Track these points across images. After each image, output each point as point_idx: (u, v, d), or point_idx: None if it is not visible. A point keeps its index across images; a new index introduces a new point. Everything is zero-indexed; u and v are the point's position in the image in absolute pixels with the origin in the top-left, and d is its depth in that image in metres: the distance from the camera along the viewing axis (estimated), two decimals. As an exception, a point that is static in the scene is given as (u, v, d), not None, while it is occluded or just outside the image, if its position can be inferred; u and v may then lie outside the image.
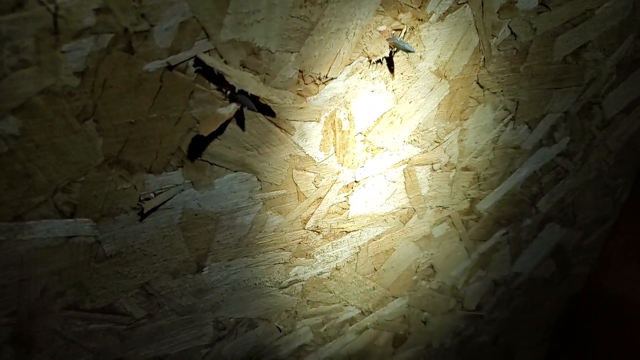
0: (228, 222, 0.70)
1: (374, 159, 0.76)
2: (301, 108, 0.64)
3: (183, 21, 0.51)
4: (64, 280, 0.64)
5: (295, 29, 0.57)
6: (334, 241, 0.83)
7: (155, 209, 0.63)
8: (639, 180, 1.21)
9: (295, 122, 0.65)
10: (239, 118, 0.61)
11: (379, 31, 0.62)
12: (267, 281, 0.81)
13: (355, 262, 0.88)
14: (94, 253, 0.63)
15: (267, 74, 0.59)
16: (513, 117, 0.85)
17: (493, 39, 0.72)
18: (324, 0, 0.57)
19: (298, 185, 0.72)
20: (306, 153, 0.69)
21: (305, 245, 0.80)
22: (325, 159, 0.71)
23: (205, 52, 0.54)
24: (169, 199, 0.63)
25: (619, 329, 1.35)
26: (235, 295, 0.79)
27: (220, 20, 0.52)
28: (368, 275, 0.92)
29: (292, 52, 0.59)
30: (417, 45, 0.66)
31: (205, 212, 0.67)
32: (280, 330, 0.90)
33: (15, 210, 0.55)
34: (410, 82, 0.70)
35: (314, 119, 0.66)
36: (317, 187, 0.74)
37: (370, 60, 0.64)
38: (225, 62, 0.55)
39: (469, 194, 0.92)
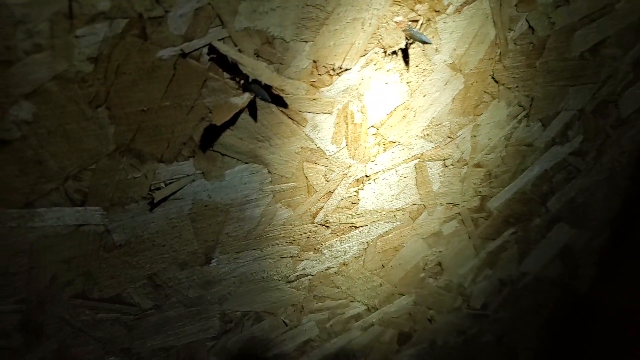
0: (237, 214, 0.69)
1: (385, 154, 0.75)
2: (314, 99, 0.63)
3: (198, 7, 0.50)
4: (73, 269, 0.63)
5: (310, 17, 0.56)
6: (343, 236, 0.82)
7: (165, 199, 0.62)
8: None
9: (308, 113, 0.65)
10: (252, 108, 0.60)
11: (395, 22, 0.61)
12: (274, 275, 0.80)
13: (363, 257, 0.88)
14: (103, 242, 0.63)
15: (280, 63, 0.58)
16: (527, 113, 0.84)
17: (510, 32, 0.71)
18: (341, -10, 0.56)
19: (308, 178, 0.71)
20: (317, 146, 0.69)
21: (314, 239, 0.80)
22: (337, 152, 0.71)
23: (219, 40, 0.53)
24: (180, 189, 0.63)
25: (625, 331, 1.34)
26: (242, 288, 0.79)
27: (235, 8, 0.52)
28: (375, 272, 0.92)
29: (306, 42, 0.58)
30: (433, 37, 0.65)
31: (215, 204, 0.66)
32: (286, 325, 0.89)
33: (27, 197, 0.55)
34: (425, 75, 0.69)
35: (327, 111, 0.65)
36: (328, 181, 0.73)
37: (385, 52, 0.63)
38: (240, 51, 0.55)
39: (480, 192, 0.91)
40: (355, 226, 0.82)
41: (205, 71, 0.55)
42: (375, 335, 1.04)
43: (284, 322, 0.88)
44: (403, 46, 0.63)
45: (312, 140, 0.67)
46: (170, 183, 0.61)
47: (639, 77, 0.92)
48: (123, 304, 0.70)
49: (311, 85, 0.62)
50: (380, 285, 0.94)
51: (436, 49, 0.67)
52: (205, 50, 0.53)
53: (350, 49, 0.61)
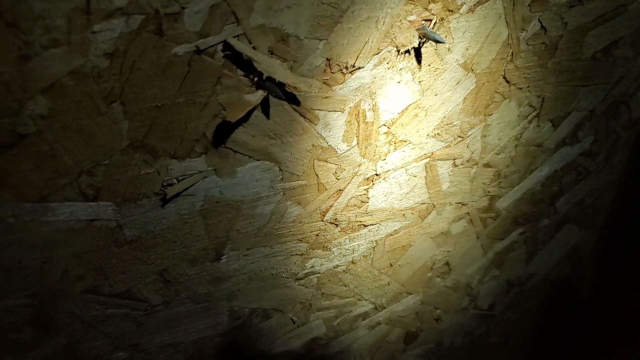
0: (248, 211, 0.70)
1: (396, 152, 0.75)
2: (326, 97, 0.63)
3: (214, 4, 0.50)
4: (84, 263, 0.64)
5: (325, 15, 0.56)
6: (352, 234, 0.82)
7: (177, 195, 0.63)
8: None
9: (320, 111, 0.65)
10: (265, 106, 0.60)
11: (409, 21, 0.61)
12: (283, 272, 0.81)
13: (372, 256, 0.88)
14: (114, 237, 0.63)
15: (294, 61, 0.58)
16: (538, 114, 0.84)
17: (522, 32, 0.71)
18: (355, -12, 0.56)
19: (319, 176, 0.71)
20: (329, 144, 0.69)
21: (323, 237, 0.80)
22: (348, 150, 0.71)
23: (234, 37, 0.53)
24: (192, 186, 0.63)
25: (632, 334, 1.33)
26: (251, 285, 0.79)
27: (251, 5, 0.52)
28: (383, 270, 0.92)
29: (320, 40, 0.58)
30: (446, 36, 0.65)
31: (226, 200, 0.67)
32: (294, 322, 0.90)
33: (41, 191, 0.55)
34: (437, 74, 0.69)
35: (339, 109, 0.65)
36: (338, 179, 0.73)
37: (398, 50, 0.63)
38: (254, 48, 0.55)
39: (489, 192, 0.91)
40: (364, 225, 0.82)
41: (220, 68, 0.55)
42: (382, 334, 1.04)
43: (291, 319, 0.89)
44: (416, 45, 0.63)
45: (324, 138, 0.67)
46: (182, 179, 0.62)
47: (651, 78, 0.91)
48: (133, 299, 0.70)
49: (324, 83, 0.62)
50: (388, 284, 0.94)
51: (449, 49, 0.67)
52: (220, 47, 0.53)
53: (363, 47, 0.61)
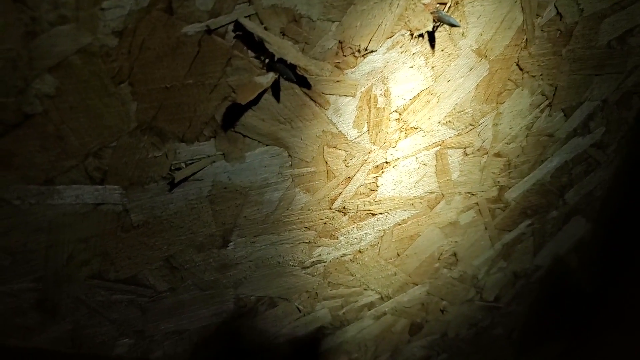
0: (256, 197, 0.69)
1: (406, 140, 0.74)
2: (338, 81, 0.62)
3: (226, -17, 0.49)
4: (90, 248, 0.63)
5: (338, -4, 0.55)
6: (360, 223, 0.81)
7: (185, 179, 0.62)
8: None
9: (331, 96, 0.63)
10: (275, 89, 0.59)
11: (424, 4, 0.60)
12: (290, 260, 0.80)
13: (379, 245, 0.87)
14: (121, 222, 0.62)
15: (306, 43, 0.57)
16: (550, 103, 0.82)
17: (538, 18, 0.70)
18: (369, -31, 0.55)
19: (328, 163, 0.70)
20: (339, 129, 0.68)
21: (331, 225, 0.79)
22: (358, 137, 0.70)
23: (246, 17, 0.52)
24: (200, 170, 0.62)
25: (637, 327, 1.33)
26: (258, 272, 0.78)
27: (264, -16, 0.51)
28: (390, 260, 0.91)
29: (333, 22, 0.57)
30: (460, 20, 0.64)
31: (234, 186, 0.66)
32: (300, 311, 0.89)
33: (47, 173, 0.54)
34: (450, 60, 0.68)
35: (350, 94, 0.64)
36: (347, 166, 0.72)
37: (412, 34, 0.62)
38: (266, 29, 0.54)
39: (499, 182, 0.90)
40: (372, 213, 0.81)
41: (230, 49, 0.54)
42: (387, 325, 1.03)
43: (297, 308, 0.88)
44: (430, 29, 0.62)
45: (334, 124, 0.66)
46: (190, 163, 0.61)
47: (666, 67, 0.90)
48: (139, 285, 0.70)
49: (336, 66, 0.61)
50: (395, 274, 0.93)
51: (462, 34, 0.66)
52: (231, 27, 0.52)
53: (376, 30, 0.60)
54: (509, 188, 0.92)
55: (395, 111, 0.69)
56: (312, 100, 0.63)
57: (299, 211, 0.74)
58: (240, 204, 0.68)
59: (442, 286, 1.03)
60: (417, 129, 0.73)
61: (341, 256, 0.84)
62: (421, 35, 0.63)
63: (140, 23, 0.49)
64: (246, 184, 0.66)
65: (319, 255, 0.82)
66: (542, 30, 0.72)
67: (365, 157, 0.73)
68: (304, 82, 0.60)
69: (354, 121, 0.68)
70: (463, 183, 0.85)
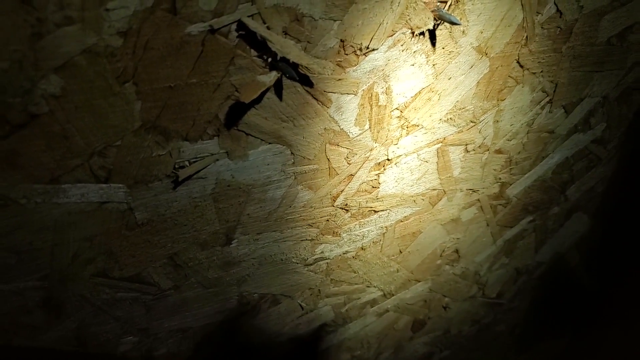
0: (259, 195, 0.69)
1: (408, 137, 0.74)
2: (339, 79, 0.63)
3: (228, -17, 0.50)
4: (95, 246, 0.63)
5: (340, -5, 0.56)
6: (362, 220, 0.82)
7: (189, 177, 0.62)
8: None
9: (333, 94, 0.64)
10: (278, 87, 0.60)
11: (424, 2, 0.60)
12: (293, 257, 0.80)
13: (381, 242, 0.87)
14: (125, 220, 0.63)
15: (308, 42, 0.58)
16: (550, 99, 0.83)
17: (538, 16, 0.70)
18: (370, -32, 0.55)
19: (330, 160, 0.71)
20: (341, 127, 0.68)
21: (333, 222, 0.79)
22: (360, 134, 0.70)
23: (248, 16, 0.52)
24: (204, 168, 0.62)
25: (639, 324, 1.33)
26: (261, 270, 0.79)
27: (266, -16, 0.51)
28: (393, 257, 0.91)
29: (335, 20, 0.57)
30: (460, 18, 0.64)
31: (237, 184, 0.66)
32: (303, 308, 0.90)
33: (52, 172, 0.55)
34: (451, 58, 0.68)
35: (352, 92, 0.65)
36: (349, 164, 0.73)
37: (413, 32, 0.63)
38: (268, 28, 0.54)
39: (500, 178, 0.90)
40: (374, 210, 0.81)
41: (233, 48, 0.54)
42: (390, 322, 1.04)
43: (300, 305, 0.89)
44: (431, 27, 0.62)
45: (336, 122, 0.67)
46: (194, 162, 0.61)
47: (666, 63, 0.90)
48: (143, 283, 0.70)
49: (337, 64, 0.61)
50: (397, 271, 0.94)
51: (463, 31, 0.66)
52: (234, 26, 0.53)
53: (378, 28, 0.60)
54: (510, 184, 0.93)
55: (397, 109, 0.70)
56: (314, 98, 0.63)
57: (302, 208, 0.74)
58: (244, 202, 0.69)
59: (445, 283, 1.04)
60: (418, 126, 0.74)
61: (344, 253, 0.85)
62: (422, 34, 0.63)
63: (144, 23, 0.49)
64: (249, 182, 0.67)
65: (322, 252, 0.82)
66: (542, 28, 0.72)
67: (367, 155, 0.73)
68: (306, 81, 0.61)
69: (356, 119, 0.68)
70: (464, 180, 0.86)
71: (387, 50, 0.63)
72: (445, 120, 0.75)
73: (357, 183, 0.76)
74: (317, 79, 0.61)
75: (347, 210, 0.79)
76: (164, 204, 0.64)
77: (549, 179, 0.97)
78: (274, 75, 0.57)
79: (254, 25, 0.53)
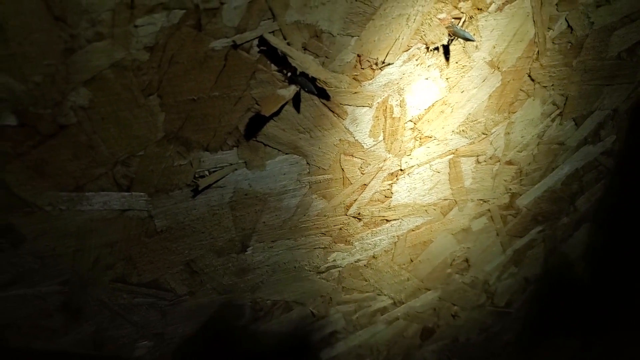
0: (275, 203, 0.71)
1: (421, 148, 0.76)
2: (355, 93, 0.64)
3: (251, 0, 0.52)
4: (115, 253, 0.65)
5: (358, 12, 0.57)
6: (374, 229, 0.83)
7: (208, 186, 0.64)
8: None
9: (348, 106, 0.66)
10: (296, 100, 0.61)
11: (439, 19, 0.62)
12: (306, 265, 0.82)
13: (393, 251, 0.89)
14: (145, 227, 0.65)
15: (326, 57, 0.59)
16: (561, 112, 0.84)
17: (549, 31, 0.72)
18: (388, -14, 0.57)
19: (344, 170, 0.72)
20: (355, 138, 0.70)
21: (346, 231, 0.81)
22: (374, 145, 0.72)
23: (270, 33, 0.54)
24: (223, 178, 0.64)
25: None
26: (274, 277, 0.80)
27: (287, 1, 0.53)
28: (404, 266, 0.93)
29: (352, 36, 0.59)
30: (474, 34, 0.66)
31: (254, 193, 0.68)
32: (314, 315, 0.91)
33: (77, 181, 0.57)
34: (464, 72, 0.70)
35: (367, 105, 0.66)
36: (363, 174, 0.74)
37: (427, 48, 0.64)
38: (289, 44, 0.56)
39: (510, 189, 0.91)
40: (387, 219, 0.83)
41: (255, 63, 0.56)
42: (400, 330, 1.05)
43: (312, 312, 0.90)
44: (445, 42, 0.64)
45: (351, 133, 0.68)
46: (214, 171, 0.63)
47: (676, 78, 0.91)
48: (160, 289, 0.72)
49: (354, 78, 0.63)
50: (408, 279, 0.95)
51: (476, 47, 0.68)
52: (256, 42, 0.55)
53: (394, 44, 0.62)
54: (521, 195, 0.94)
55: (411, 121, 0.71)
56: (331, 110, 0.65)
57: (316, 217, 0.76)
58: (260, 210, 0.70)
59: (454, 291, 1.05)
60: (431, 137, 0.75)
61: (355, 261, 0.86)
62: (436, 49, 0.65)
63: (170, 39, 0.51)
64: (266, 191, 0.69)
65: (334, 260, 0.84)
66: (553, 43, 0.74)
67: (381, 165, 0.75)
68: (323, 94, 0.62)
69: (370, 130, 0.70)
70: (475, 190, 0.87)
71: (402, 65, 0.65)
72: (457, 132, 0.77)
73: (370, 193, 0.77)
74: (333, 92, 0.63)
75: (359, 219, 0.80)
76: (183, 212, 0.65)
77: (559, 189, 0.98)
78: (293, 89, 0.59)
79: (275, 41, 0.55)
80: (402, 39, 0.62)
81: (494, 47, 0.70)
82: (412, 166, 0.77)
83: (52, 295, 0.65)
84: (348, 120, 0.67)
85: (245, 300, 0.81)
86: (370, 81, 0.64)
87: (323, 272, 0.85)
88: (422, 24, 0.62)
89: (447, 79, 0.69)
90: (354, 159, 0.72)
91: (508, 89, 0.76)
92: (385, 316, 1.00)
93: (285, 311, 0.87)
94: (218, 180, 0.64)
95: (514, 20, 0.68)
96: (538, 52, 0.74)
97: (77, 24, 0.46)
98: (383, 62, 0.63)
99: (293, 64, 0.56)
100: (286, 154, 0.66)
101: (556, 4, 0.69)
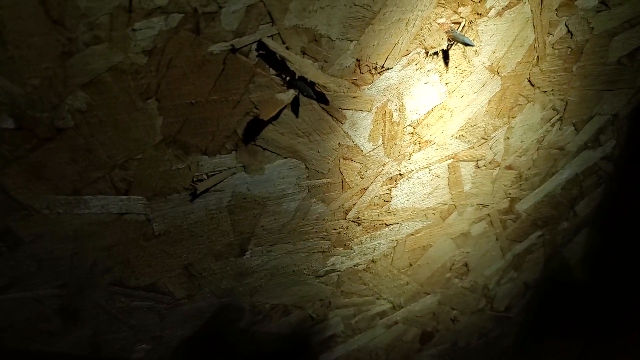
0: (274, 207, 0.71)
1: (420, 153, 0.75)
2: (354, 97, 0.64)
3: (250, 4, 0.51)
4: (112, 256, 0.65)
5: (357, 17, 0.57)
6: (373, 233, 0.83)
7: (207, 190, 0.64)
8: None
9: (347, 111, 0.65)
10: (294, 104, 0.61)
11: (439, 23, 0.62)
12: (304, 269, 0.82)
13: (392, 255, 0.88)
14: (143, 231, 0.65)
15: (325, 61, 0.59)
16: (560, 117, 0.84)
17: (549, 36, 0.72)
18: (387, -10, 0.57)
19: (343, 174, 0.72)
20: (354, 143, 0.69)
21: (345, 235, 0.81)
22: (373, 149, 0.71)
23: (269, 37, 0.54)
24: (221, 182, 0.64)
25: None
26: (273, 281, 0.80)
27: (286, 5, 0.53)
28: (403, 270, 0.92)
29: (351, 41, 0.59)
30: (474, 39, 0.66)
31: (253, 197, 0.68)
32: (313, 319, 0.91)
33: (75, 184, 0.57)
34: (463, 76, 0.69)
35: (366, 109, 0.66)
36: (362, 178, 0.74)
37: (427, 52, 0.64)
38: (287, 48, 0.56)
39: (510, 193, 0.91)
40: (386, 224, 0.82)
41: (253, 67, 0.56)
42: (399, 334, 1.05)
43: (310, 316, 0.90)
44: (444, 47, 0.64)
45: (350, 137, 0.68)
46: (212, 175, 0.63)
47: (676, 83, 0.91)
48: (158, 292, 0.72)
49: (353, 83, 0.63)
50: (407, 283, 0.95)
51: (476, 51, 0.68)
52: (255, 46, 0.54)
53: (393, 48, 0.62)
54: (520, 200, 0.94)
55: (410, 125, 0.71)
56: (330, 115, 0.65)
57: (314, 221, 0.76)
58: (258, 214, 0.70)
59: (453, 296, 1.05)
60: (430, 142, 0.75)
61: (354, 265, 0.86)
62: (436, 53, 0.65)
63: (168, 42, 0.51)
64: (264, 195, 0.69)
65: (333, 264, 0.83)
66: (553, 48, 0.74)
67: (380, 169, 0.74)
68: (322, 98, 0.62)
69: (370, 135, 0.70)
70: (475, 195, 0.87)
71: (401, 69, 0.65)
72: (457, 137, 0.76)
73: (369, 197, 0.77)
74: (332, 97, 0.63)
75: (358, 223, 0.80)
76: (181, 216, 0.65)
77: (559, 194, 0.98)
78: (291, 93, 0.59)
79: (274, 45, 0.55)
80: (402, 43, 0.62)
81: (494, 52, 0.69)
82: (412, 170, 0.77)
83: (49, 299, 0.65)
84: (347, 124, 0.67)
85: (243, 304, 0.81)
86: (370, 85, 0.64)
87: (322, 276, 0.85)
88: (421, 29, 0.62)
89: (446, 83, 0.69)
90: (353, 163, 0.72)
91: (508, 93, 0.76)
92: (385, 320, 1.00)
93: (284, 315, 0.87)
94: (216, 184, 0.64)
95: (513, 25, 0.68)
96: (538, 57, 0.73)
97: (75, 27, 0.46)
98: (382, 67, 0.63)
99: (292, 68, 0.56)
100: (285, 158, 0.66)
101: (556, 9, 0.69)
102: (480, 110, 0.75)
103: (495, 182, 0.87)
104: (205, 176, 0.63)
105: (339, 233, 0.79)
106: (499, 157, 0.83)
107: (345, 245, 0.82)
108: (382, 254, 0.87)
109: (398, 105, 0.68)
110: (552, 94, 0.80)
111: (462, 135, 0.76)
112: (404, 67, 0.65)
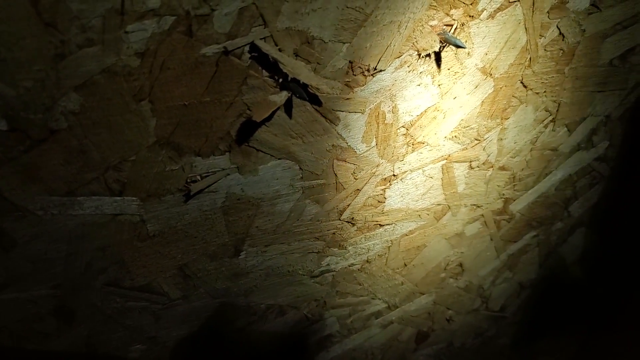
0: (268, 208, 0.71)
1: (413, 154, 0.76)
2: (347, 99, 0.65)
3: (243, 7, 0.52)
4: (107, 257, 0.65)
5: (349, 19, 0.58)
6: (368, 234, 0.83)
7: (200, 191, 0.64)
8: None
9: (341, 112, 0.66)
10: (287, 106, 0.62)
11: (431, 26, 0.62)
12: (299, 269, 0.82)
13: (386, 256, 0.89)
14: (137, 232, 0.65)
15: (318, 63, 0.60)
16: (553, 118, 0.85)
17: (541, 39, 0.72)
18: (379, -7, 0.57)
19: (337, 175, 0.73)
20: (348, 144, 0.70)
21: (339, 236, 0.81)
22: (366, 151, 0.72)
23: (261, 39, 0.55)
24: (215, 183, 0.64)
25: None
26: (268, 281, 0.80)
27: (279, 8, 0.53)
28: (397, 270, 0.93)
29: (344, 43, 0.59)
30: (466, 41, 0.66)
31: (247, 197, 0.68)
32: (308, 319, 0.91)
33: (69, 185, 0.57)
34: (456, 78, 0.70)
35: (359, 111, 0.67)
36: (356, 179, 0.75)
37: (419, 54, 0.64)
38: (280, 50, 0.56)
39: (504, 194, 0.91)
40: (380, 224, 0.83)
41: (246, 69, 0.56)
42: (394, 334, 1.05)
43: (306, 316, 0.90)
44: (437, 49, 0.64)
45: (344, 139, 0.69)
46: (206, 176, 0.63)
47: (668, 84, 0.92)
48: (152, 293, 0.72)
49: (346, 85, 0.63)
50: (402, 283, 0.95)
51: (468, 53, 0.68)
52: (247, 48, 0.55)
53: (385, 50, 0.62)
54: (514, 200, 0.94)
55: (403, 127, 0.72)
56: (323, 116, 0.65)
57: (309, 222, 0.76)
58: (253, 215, 0.71)
59: (449, 296, 1.05)
60: (423, 143, 0.75)
61: (349, 266, 0.86)
62: (428, 55, 0.65)
63: (161, 45, 0.51)
64: (259, 196, 0.69)
65: (328, 264, 0.84)
66: (545, 50, 0.74)
67: (374, 170, 0.75)
68: (315, 100, 0.63)
69: (363, 136, 0.70)
70: (469, 195, 0.87)
71: (394, 71, 0.65)
72: (450, 138, 0.77)
73: (363, 198, 0.77)
74: (326, 99, 0.63)
75: (353, 224, 0.80)
76: (175, 217, 0.66)
77: (552, 195, 0.98)
78: (284, 95, 0.59)
79: (267, 47, 0.55)
80: (394, 45, 0.62)
81: (486, 54, 0.70)
82: (405, 171, 0.77)
83: (44, 299, 0.65)
84: (340, 126, 0.67)
85: (239, 305, 0.81)
86: (363, 87, 0.65)
87: (317, 277, 0.85)
88: (413, 31, 0.62)
89: (439, 85, 0.70)
90: (347, 164, 0.72)
91: (500, 95, 0.76)
92: (380, 320, 1.00)
93: (279, 315, 0.87)
94: (210, 185, 0.64)
95: (505, 27, 0.68)
96: (530, 59, 0.74)
97: (68, 29, 0.47)
98: (375, 69, 0.63)
99: (284, 70, 0.56)
100: (279, 159, 0.67)
101: (548, 12, 0.70)
102: (473, 111, 0.76)
103: (489, 183, 0.87)
104: (199, 177, 0.63)
105: (334, 233, 0.80)
106: (493, 158, 0.84)
107: (339, 245, 0.82)
108: (376, 254, 0.87)
109: (391, 106, 0.68)
110: (545, 96, 0.80)
111: (455, 136, 0.77)
112: (396, 69, 0.65)
